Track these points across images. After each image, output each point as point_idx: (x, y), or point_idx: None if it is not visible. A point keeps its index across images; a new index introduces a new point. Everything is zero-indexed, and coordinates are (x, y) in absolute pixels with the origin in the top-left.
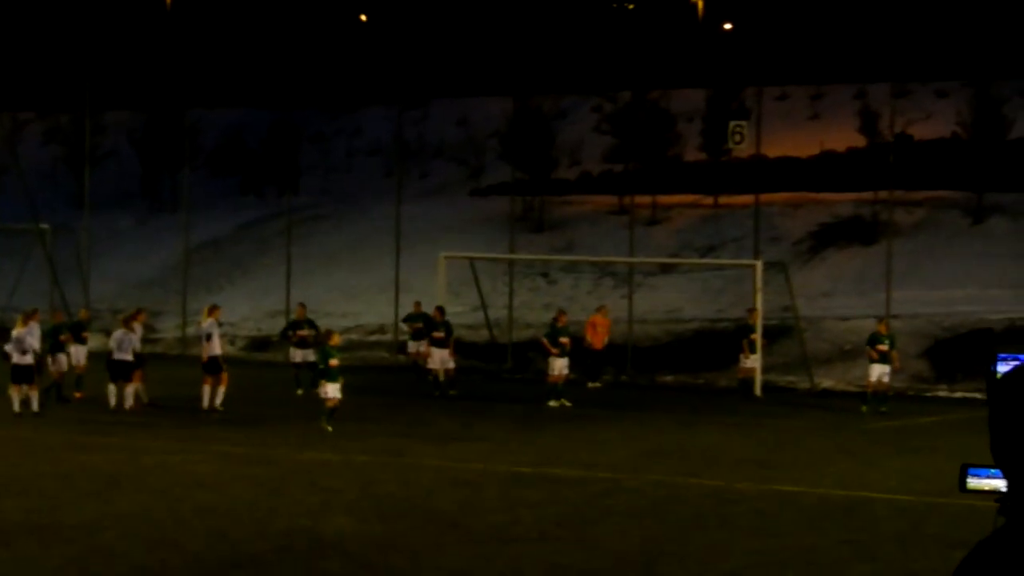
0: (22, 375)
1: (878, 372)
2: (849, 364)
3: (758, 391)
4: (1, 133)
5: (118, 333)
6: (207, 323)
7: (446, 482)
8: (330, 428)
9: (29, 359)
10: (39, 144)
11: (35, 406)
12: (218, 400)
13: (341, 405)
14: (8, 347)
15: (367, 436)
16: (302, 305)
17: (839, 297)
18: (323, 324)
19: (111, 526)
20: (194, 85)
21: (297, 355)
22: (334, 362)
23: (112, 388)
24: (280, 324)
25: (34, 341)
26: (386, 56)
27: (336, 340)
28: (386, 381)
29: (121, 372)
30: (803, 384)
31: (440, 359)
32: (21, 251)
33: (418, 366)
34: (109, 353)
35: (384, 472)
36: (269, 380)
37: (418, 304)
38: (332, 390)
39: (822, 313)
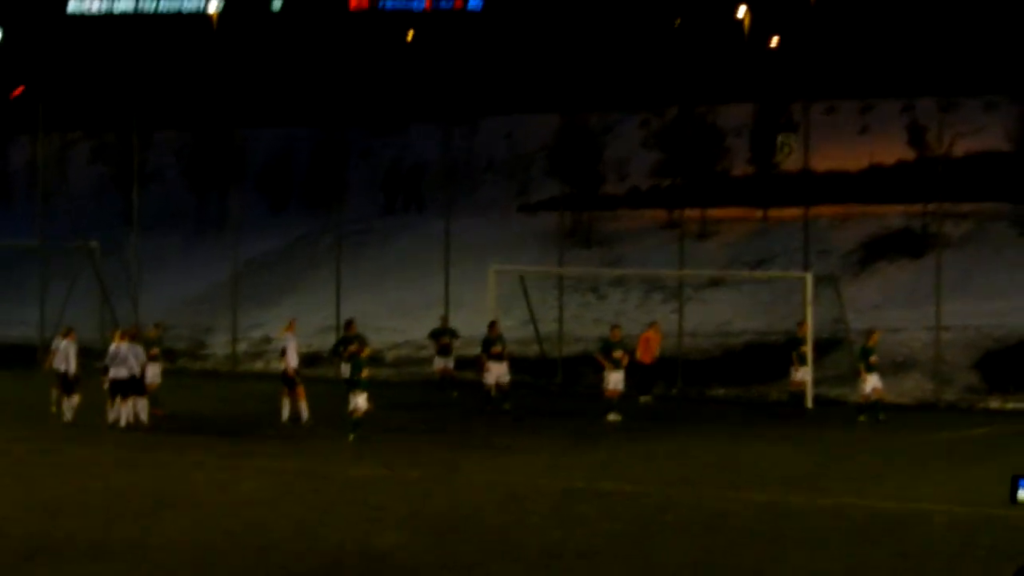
0: (124, 388)
1: (872, 382)
2: (901, 376)
3: (809, 404)
4: (49, 152)
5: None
6: (284, 336)
7: (497, 498)
8: (352, 438)
9: (124, 373)
10: (87, 163)
11: (122, 420)
12: (304, 414)
13: (368, 417)
14: (107, 362)
15: (417, 451)
16: (352, 322)
17: (889, 309)
18: (372, 340)
19: (161, 544)
20: (241, 104)
21: (347, 370)
22: (365, 373)
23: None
24: (330, 340)
25: (134, 358)
26: (434, 73)
27: (367, 352)
28: (436, 396)
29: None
30: (854, 397)
31: (497, 373)
32: (70, 270)
33: (444, 381)
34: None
35: (435, 488)
36: (319, 396)
37: (444, 318)
38: (362, 401)
39: (872, 325)
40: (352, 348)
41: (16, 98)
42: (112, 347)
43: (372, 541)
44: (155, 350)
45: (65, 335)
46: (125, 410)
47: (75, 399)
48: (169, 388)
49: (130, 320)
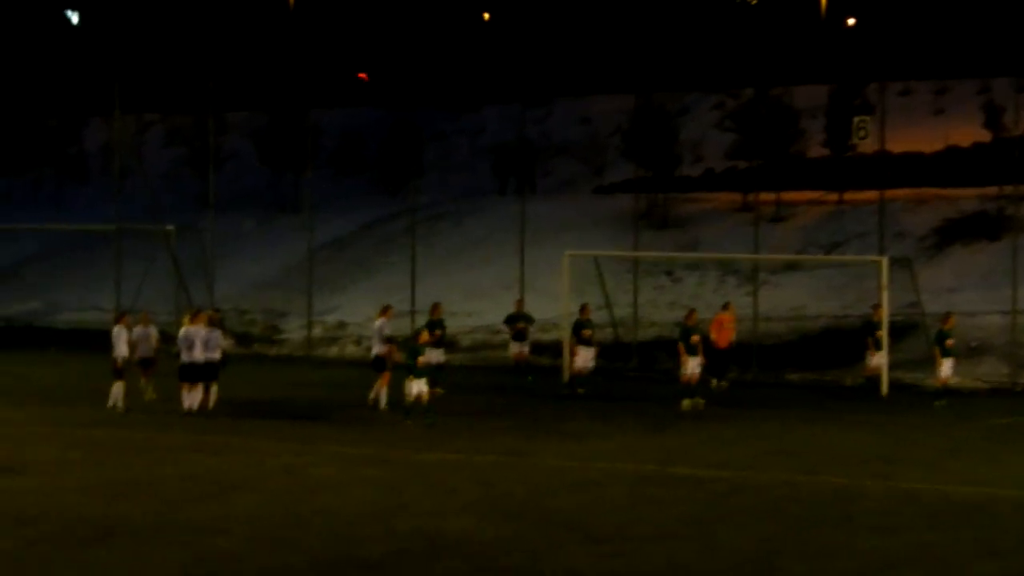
0: (191, 374)
1: (948, 367)
2: (976, 360)
3: (884, 389)
4: (125, 135)
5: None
6: (378, 323)
7: (569, 482)
8: (411, 422)
9: (195, 358)
10: (162, 145)
11: (195, 405)
12: (382, 401)
13: (430, 403)
14: (179, 345)
15: (489, 436)
16: (437, 305)
17: (965, 293)
18: (448, 324)
19: (232, 528)
20: (316, 85)
21: (433, 356)
22: (422, 359)
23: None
24: (404, 325)
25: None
26: (508, 55)
27: (425, 338)
28: (509, 380)
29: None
30: (929, 382)
31: (584, 358)
32: (146, 252)
33: (519, 366)
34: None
35: (506, 472)
36: (392, 381)
37: (519, 303)
38: (418, 386)
39: (948, 309)
40: (437, 332)
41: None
42: (183, 330)
43: (444, 525)
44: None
45: (117, 320)
46: (195, 395)
47: (123, 385)
48: (243, 373)
49: (205, 303)
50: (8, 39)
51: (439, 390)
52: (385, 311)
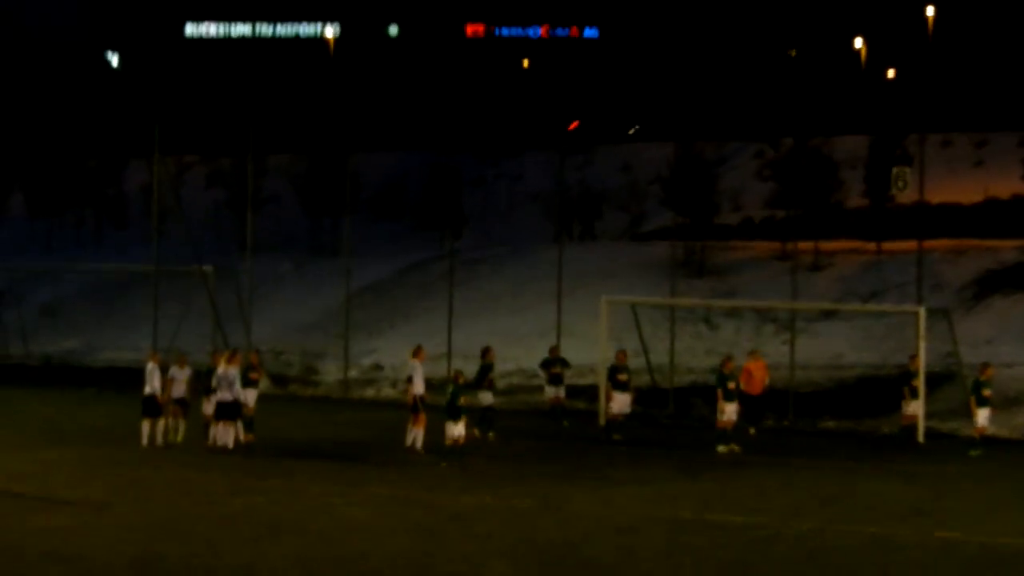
0: (226, 412)
1: (984, 417)
2: (1014, 411)
3: (921, 438)
4: (165, 176)
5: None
6: (411, 364)
7: (606, 528)
8: (444, 464)
9: (230, 397)
10: (203, 187)
11: (231, 442)
12: (418, 443)
13: (467, 445)
14: (216, 384)
15: (526, 481)
16: (489, 349)
17: (1003, 344)
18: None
19: (269, 569)
20: (356, 129)
21: (486, 398)
22: (463, 401)
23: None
24: (442, 368)
25: (235, 381)
26: (549, 101)
27: (463, 380)
28: (546, 425)
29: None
30: (966, 431)
31: (620, 403)
32: (184, 293)
33: (555, 410)
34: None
35: (543, 518)
36: (430, 424)
37: (554, 349)
38: (458, 429)
39: (985, 360)
40: (489, 376)
41: (574, 129)
42: (220, 370)
43: (480, 571)
44: (255, 375)
45: (151, 357)
46: (227, 432)
47: (160, 423)
48: (279, 413)
49: (243, 345)
50: (49, 80)
51: (492, 434)
52: (417, 353)
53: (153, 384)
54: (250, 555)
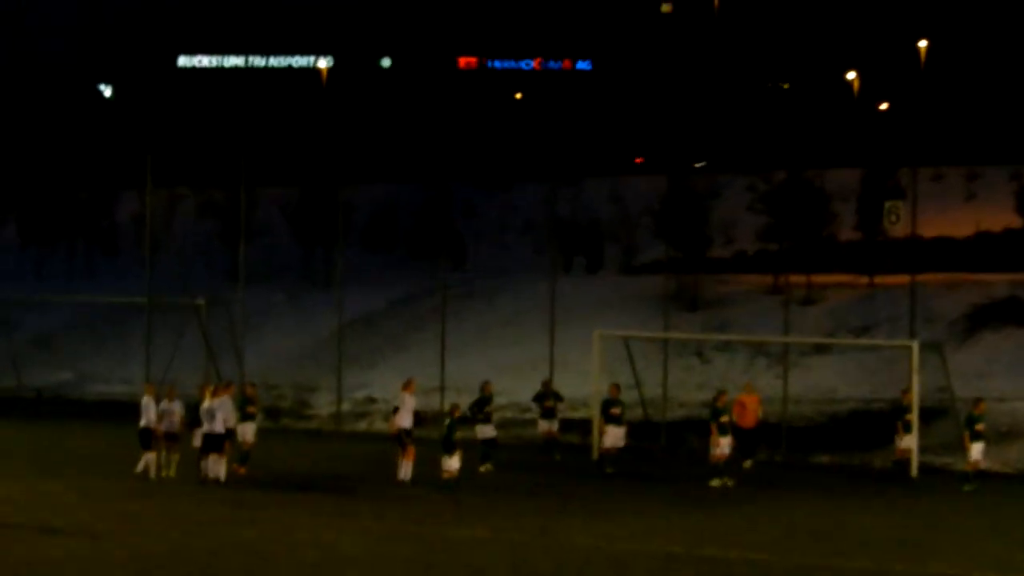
0: (213, 445)
1: (978, 451)
2: (1007, 445)
3: (914, 472)
4: (157, 208)
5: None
6: (400, 396)
7: (599, 561)
8: (438, 496)
9: (219, 429)
10: (194, 218)
11: (222, 474)
12: (408, 474)
13: (459, 479)
14: (202, 417)
15: (518, 513)
16: (487, 382)
17: (995, 378)
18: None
19: None
20: (348, 160)
21: (484, 431)
22: (459, 434)
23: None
24: (435, 401)
25: (226, 414)
26: (541, 132)
27: (459, 413)
28: (540, 459)
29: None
30: (959, 466)
31: (614, 436)
32: (177, 325)
33: (548, 444)
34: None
35: (536, 550)
36: (422, 457)
37: (547, 382)
38: (454, 462)
39: (978, 394)
40: (489, 409)
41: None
42: (205, 404)
43: None
44: (252, 408)
45: (147, 390)
46: (218, 465)
47: (153, 455)
48: (271, 447)
49: (235, 377)
50: (43, 110)
51: (489, 466)
52: (407, 385)
53: (148, 416)
54: None
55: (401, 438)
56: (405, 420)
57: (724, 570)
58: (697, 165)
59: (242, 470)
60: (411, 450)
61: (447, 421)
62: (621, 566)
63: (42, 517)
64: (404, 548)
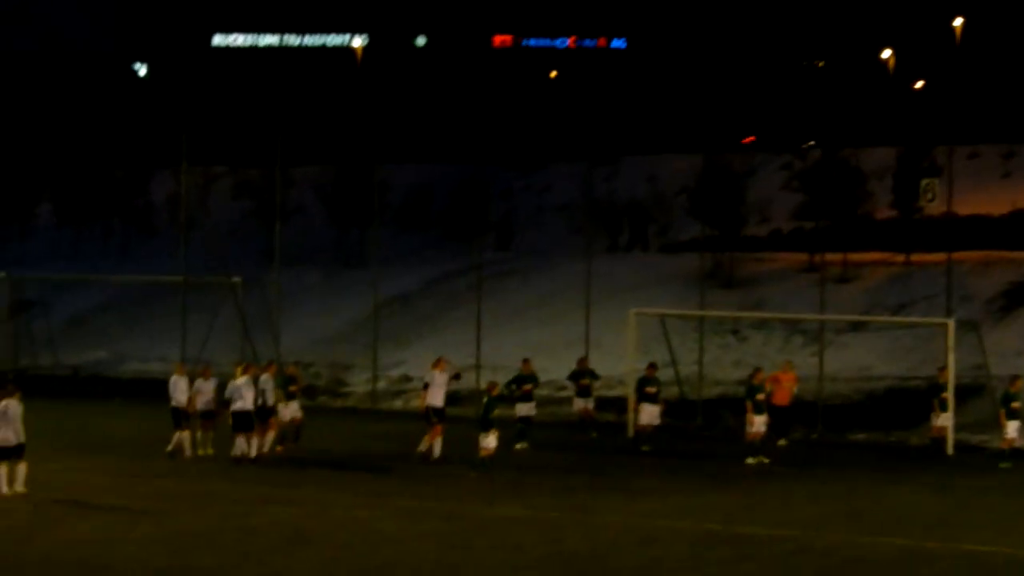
0: (243, 423)
1: (1014, 429)
2: None
3: (950, 450)
4: (192, 187)
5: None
6: (429, 374)
7: (634, 539)
8: (474, 475)
9: (249, 407)
10: (230, 198)
11: (252, 452)
12: (437, 452)
13: (496, 457)
14: (228, 395)
15: (554, 492)
16: (527, 360)
17: None
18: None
19: None
20: (383, 139)
21: (523, 408)
22: (496, 412)
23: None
24: (469, 380)
25: (250, 392)
26: (576, 112)
27: (497, 391)
28: (575, 437)
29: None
30: (995, 444)
31: (649, 414)
32: (212, 304)
33: (583, 422)
34: (227, 403)
35: (572, 529)
36: (458, 436)
37: (583, 360)
38: (491, 440)
39: (1014, 372)
40: (527, 387)
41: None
42: (235, 381)
43: None
44: (294, 387)
45: (176, 370)
46: (246, 443)
47: (187, 434)
48: (308, 425)
49: (271, 356)
50: (78, 91)
51: (525, 444)
52: (437, 363)
53: (177, 396)
54: (277, 565)
55: (429, 415)
56: (435, 398)
57: (760, 548)
58: (745, 141)
59: (280, 448)
60: (438, 428)
61: (484, 399)
62: (657, 544)
63: (79, 497)
64: (440, 526)
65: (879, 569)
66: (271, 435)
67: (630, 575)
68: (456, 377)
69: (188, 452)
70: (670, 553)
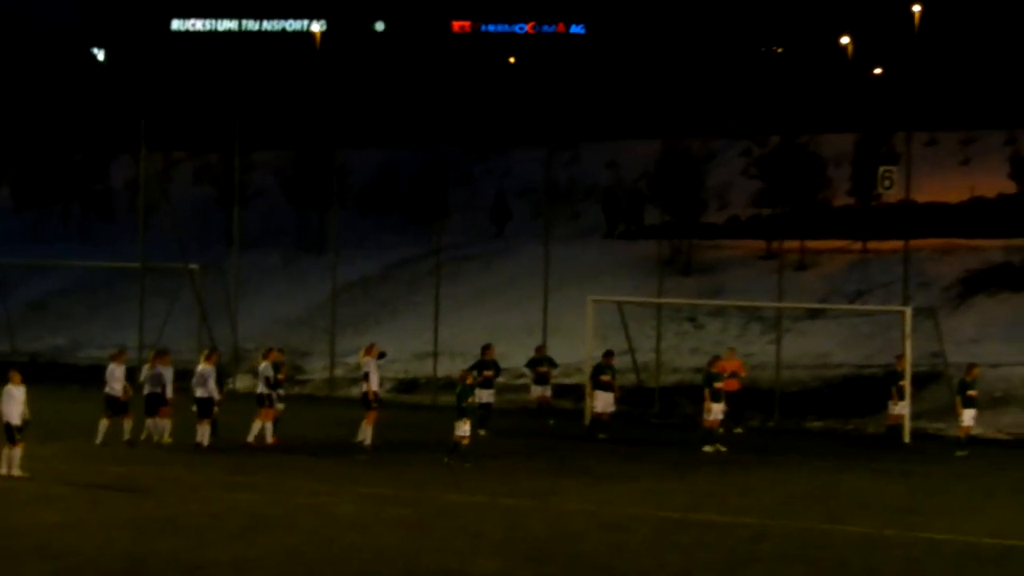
0: (204, 410)
1: (969, 417)
2: (1000, 411)
3: (906, 438)
4: (151, 172)
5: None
6: (364, 361)
7: (594, 526)
8: (446, 460)
9: (209, 394)
10: (189, 183)
11: (205, 440)
12: (368, 439)
13: (471, 444)
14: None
15: (514, 478)
16: (489, 347)
17: (989, 343)
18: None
19: (258, 566)
20: (343, 124)
21: (483, 395)
22: (471, 400)
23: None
24: (428, 366)
25: (212, 380)
26: (536, 97)
27: (471, 380)
28: (533, 424)
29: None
30: (951, 431)
31: (604, 402)
32: (171, 290)
33: (541, 409)
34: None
35: (532, 515)
36: (416, 422)
37: (541, 348)
38: (466, 428)
39: (971, 359)
40: (488, 373)
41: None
42: (198, 368)
43: (469, 567)
44: (281, 375)
45: (114, 358)
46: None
47: (127, 422)
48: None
49: (229, 342)
50: (37, 74)
51: (482, 431)
52: (369, 350)
53: (112, 384)
54: (239, 550)
55: (368, 401)
56: (376, 384)
57: (720, 534)
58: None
59: (274, 439)
60: (372, 415)
61: (458, 388)
62: (617, 530)
63: (37, 482)
64: (401, 512)
65: (836, 555)
66: (268, 424)
67: (591, 560)
68: (382, 356)
69: (127, 436)
70: (631, 539)
